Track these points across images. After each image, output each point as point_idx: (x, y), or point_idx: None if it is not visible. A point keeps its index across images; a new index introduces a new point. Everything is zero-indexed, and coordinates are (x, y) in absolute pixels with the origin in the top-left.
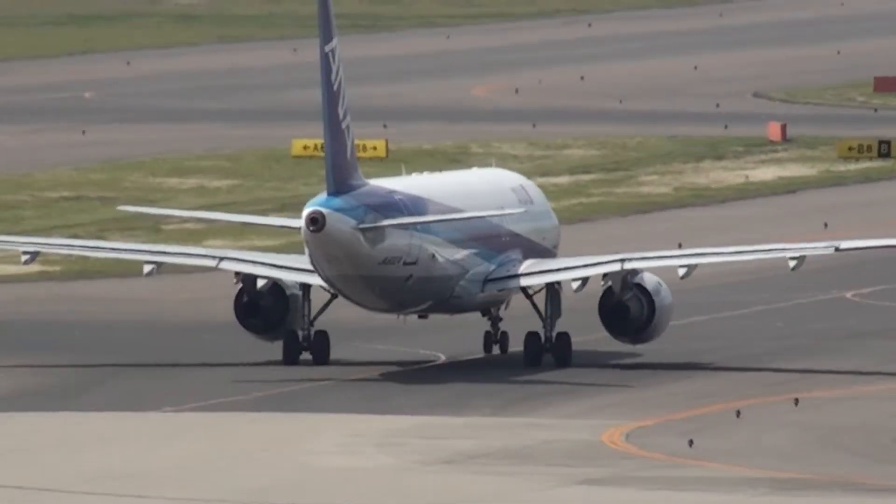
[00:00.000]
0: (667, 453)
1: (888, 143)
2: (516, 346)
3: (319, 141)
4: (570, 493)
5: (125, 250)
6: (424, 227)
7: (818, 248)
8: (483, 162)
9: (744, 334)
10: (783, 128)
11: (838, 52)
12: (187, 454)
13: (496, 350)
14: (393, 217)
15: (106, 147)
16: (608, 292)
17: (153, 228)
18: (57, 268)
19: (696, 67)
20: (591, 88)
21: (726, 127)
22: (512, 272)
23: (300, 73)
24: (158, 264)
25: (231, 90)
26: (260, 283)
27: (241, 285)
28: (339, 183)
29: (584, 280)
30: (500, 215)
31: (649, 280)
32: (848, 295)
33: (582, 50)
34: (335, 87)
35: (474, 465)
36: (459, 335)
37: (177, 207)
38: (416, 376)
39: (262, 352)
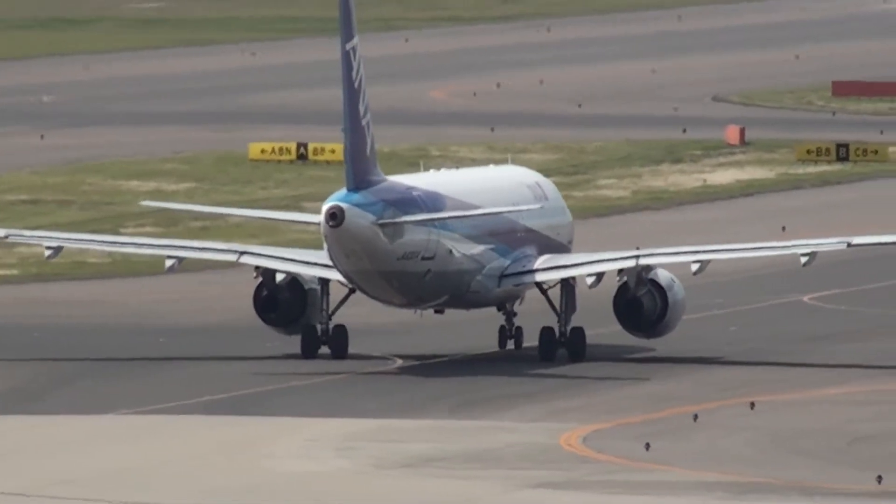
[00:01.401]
0: (624, 457)
1: (846, 146)
2: (531, 340)
3: (277, 144)
4: (527, 497)
5: (147, 245)
6: (442, 223)
7: (829, 244)
8: (440, 165)
9: (701, 338)
10: (741, 131)
11: (797, 57)
12: (143, 458)
13: (510, 345)
14: (411, 213)
15: (64, 151)
16: (623, 288)
17: (114, 232)
18: (14, 271)
19: (654, 71)
20: (550, 92)
21: (685, 130)
22: (528, 267)
23: (258, 77)
24: (180, 259)
25: (189, 94)
26: (279, 277)
27: (260, 279)
28: (359, 179)
29: (599, 276)
30: (517, 211)
31: (663, 276)
32: (805, 298)
33: (541, 54)
34: (356, 85)
35: (431, 468)
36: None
37: (136, 211)
38: (373, 380)
39: (221, 354)
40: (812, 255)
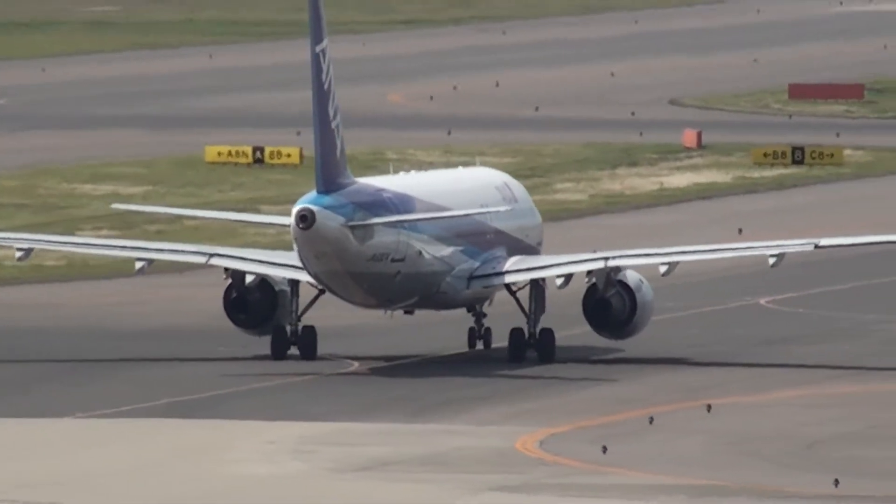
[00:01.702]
0: (580, 460)
1: (802, 149)
2: (500, 341)
3: (233, 147)
4: (484, 500)
5: (117, 247)
6: (412, 225)
7: (797, 245)
8: (397, 169)
9: (658, 340)
10: (698, 135)
11: (754, 60)
12: (100, 462)
13: (480, 346)
14: (381, 215)
15: (20, 154)
16: (592, 289)
17: (69, 235)
18: None
19: (612, 74)
20: (507, 95)
21: (641, 134)
22: (497, 269)
23: (215, 80)
24: (150, 261)
25: (146, 96)
26: (248, 278)
27: (230, 281)
28: (329, 181)
29: (568, 277)
30: (487, 213)
31: (631, 277)
32: (762, 301)
33: (497, 57)
34: (325, 87)
35: (388, 471)
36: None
37: (91, 214)
38: (330, 383)
39: (178, 357)
40: (780, 256)
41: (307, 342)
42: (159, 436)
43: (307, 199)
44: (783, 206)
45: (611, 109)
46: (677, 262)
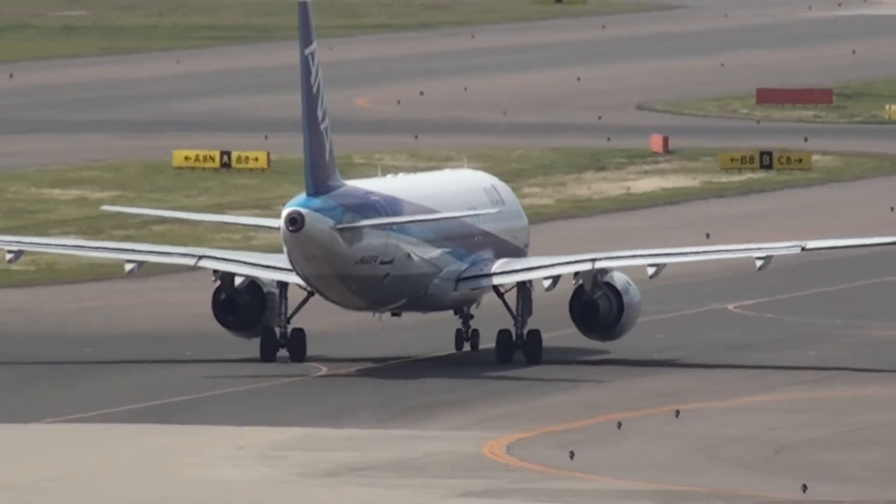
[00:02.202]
0: (548, 465)
1: (770, 154)
2: (487, 343)
3: (201, 152)
4: None
5: (107, 249)
6: (400, 227)
7: (784, 248)
8: (364, 173)
9: (627, 345)
10: (665, 140)
11: (721, 65)
12: (69, 467)
13: (467, 347)
14: (370, 217)
15: None
16: (579, 291)
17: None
18: None
19: (579, 79)
20: (474, 100)
21: (609, 139)
22: (484, 271)
23: (183, 85)
24: (139, 263)
25: (114, 101)
26: (237, 281)
27: (218, 283)
28: (318, 184)
29: (556, 279)
30: (475, 216)
31: (618, 279)
32: (730, 307)
33: (465, 61)
34: (314, 90)
35: (357, 477)
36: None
37: (59, 219)
38: (299, 388)
39: (146, 362)
40: (767, 258)
41: (296, 344)
42: (127, 441)
43: (297, 202)
44: (751, 211)
45: (578, 114)
46: (665, 264)
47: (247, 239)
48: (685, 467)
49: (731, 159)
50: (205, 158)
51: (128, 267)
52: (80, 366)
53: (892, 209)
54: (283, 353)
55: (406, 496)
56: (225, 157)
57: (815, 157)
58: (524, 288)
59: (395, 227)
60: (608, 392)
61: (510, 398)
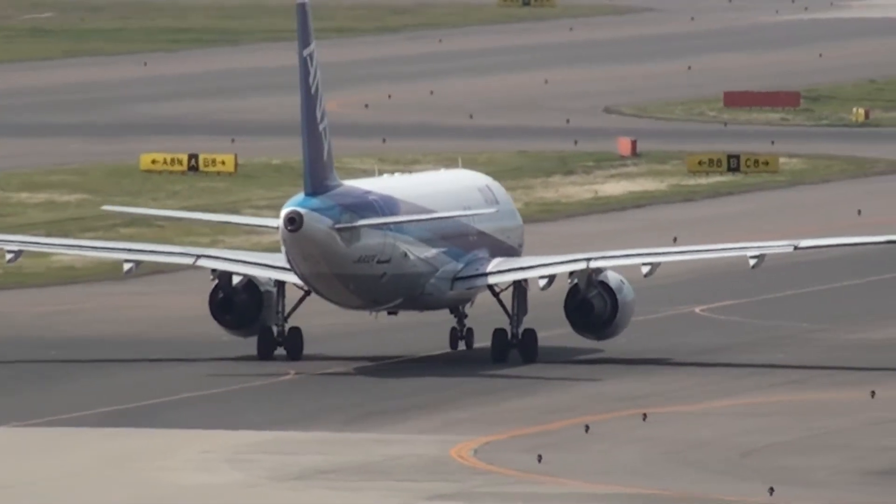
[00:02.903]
0: (516, 469)
1: (737, 157)
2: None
3: (168, 155)
4: None
5: (106, 248)
6: (397, 227)
7: (777, 246)
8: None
9: (593, 349)
10: (633, 143)
11: (689, 68)
12: (36, 471)
13: (462, 346)
14: (368, 217)
15: None
16: (573, 290)
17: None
18: None
19: (546, 82)
20: (441, 103)
21: (576, 142)
22: (480, 270)
23: (149, 88)
24: (137, 262)
25: (81, 104)
26: (235, 280)
27: (216, 282)
28: (316, 184)
29: (551, 278)
30: (471, 215)
31: (613, 278)
32: (697, 310)
33: (432, 65)
34: (313, 90)
35: (324, 480)
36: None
37: (27, 222)
38: (266, 391)
39: (112, 366)
40: (761, 257)
41: (293, 343)
42: (94, 444)
43: (295, 202)
44: (718, 214)
45: (545, 117)
46: (659, 263)
47: (214, 243)
48: (652, 471)
49: (699, 162)
50: (172, 162)
51: (126, 266)
52: (46, 370)
53: (859, 212)
54: (280, 351)
55: (374, 499)
56: (192, 161)
57: (782, 160)
58: (520, 287)
59: (392, 226)
60: (576, 395)
61: (476, 402)
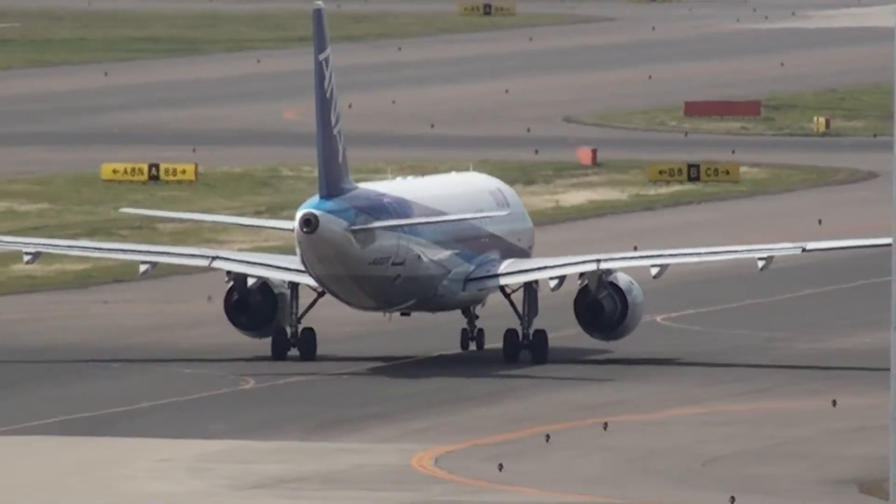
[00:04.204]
0: (476, 478)
1: (697, 166)
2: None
3: (129, 165)
4: None
5: (121, 250)
6: (411, 229)
7: (786, 248)
8: (292, 186)
9: (554, 358)
10: (594, 152)
11: (649, 77)
12: None
13: (472, 347)
14: (382, 219)
15: None
16: (584, 291)
17: None
18: None
19: (507, 92)
20: (402, 113)
21: (537, 151)
22: (492, 272)
23: (111, 97)
24: (153, 264)
25: (42, 114)
26: (250, 282)
27: (231, 284)
28: (331, 186)
29: (561, 279)
30: (484, 218)
31: (622, 279)
32: (658, 319)
33: (392, 74)
34: (328, 94)
35: (285, 489)
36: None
37: None
38: (226, 400)
39: (72, 374)
40: (769, 259)
41: (307, 344)
42: (52, 453)
43: (311, 204)
44: (679, 223)
45: (506, 126)
46: (668, 265)
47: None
48: (613, 480)
49: (659, 172)
50: (133, 171)
51: (142, 268)
52: (4, 378)
53: (820, 222)
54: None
55: None
56: (153, 170)
57: (742, 170)
58: (531, 288)
59: (406, 228)
60: (536, 404)
61: (436, 411)
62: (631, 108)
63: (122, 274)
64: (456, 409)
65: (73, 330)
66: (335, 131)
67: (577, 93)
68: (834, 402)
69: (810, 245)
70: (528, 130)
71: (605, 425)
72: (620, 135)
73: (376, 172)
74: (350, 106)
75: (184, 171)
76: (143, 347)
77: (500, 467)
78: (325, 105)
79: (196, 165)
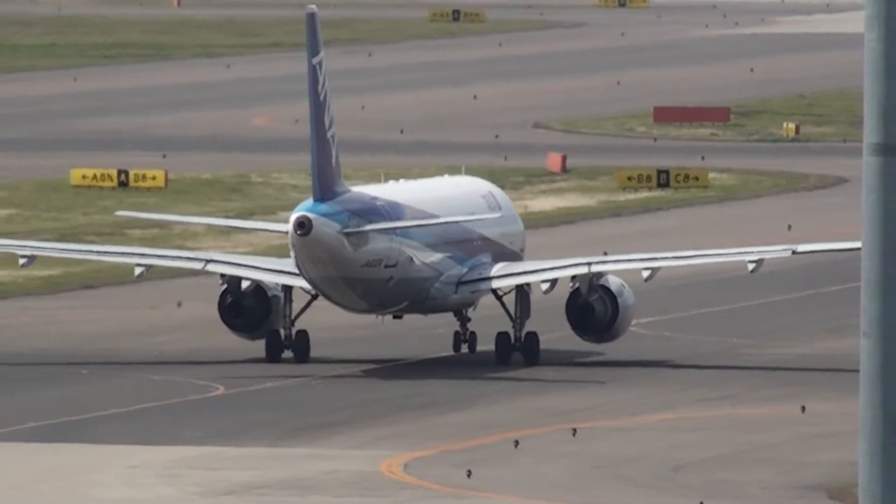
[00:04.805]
0: (445, 484)
1: (667, 172)
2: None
3: (98, 171)
4: None
5: (116, 253)
6: (404, 232)
7: (776, 251)
8: (262, 192)
9: (521, 364)
10: (563, 158)
11: (618, 83)
12: None
13: (465, 349)
14: (375, 222)
15: None
16: (575, 293)
17: None
18: None
19: (476, 97)
20: (372, 118)
21: (506, 158)
22: (484, 275)
23: (80, 103)
24: (148, 267)
25: (11, 120)
26: (244, 284)
27: (225, 286)
28: (325, 189)
29: (553, 282)
30: (476, 221)
31: (613, 282)
32: None
33: (362, 80)
34: (321, 98)
35: (254, 496)
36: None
37: None
38: (196, 407)
39: (40, 381)
40: (759, 262)
41: (300, 346)
42: (22, 460)
43: (305, 207)
44: (648, 230)
45: (475, 133)
46: (659, 268)
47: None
48: (583, 486)
49: (629, 178)
50: (102, 177)
51: (137, 271)
52: None
53: (790, 227)
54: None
55: None
56: (122, 176)
57: (712, 175)
58: (523, 291)
59: (399, 231)
60: (505, 410)
61: (405, 417)
62: (600, 114)
63: (91, 280)
64: (425, 415)
65: (41, 336)
66: (329, 135)
67: (547, 99)
68: (803, 408)
69: (801, 248)
70: (497, 137)
71: (574, 431)
72: (590, 141)
73: (346, 178)
74: None
75: (154, 178)
76: (112, 354)
77: (469, 473)
78: (318, 109)
79: (166, 171)
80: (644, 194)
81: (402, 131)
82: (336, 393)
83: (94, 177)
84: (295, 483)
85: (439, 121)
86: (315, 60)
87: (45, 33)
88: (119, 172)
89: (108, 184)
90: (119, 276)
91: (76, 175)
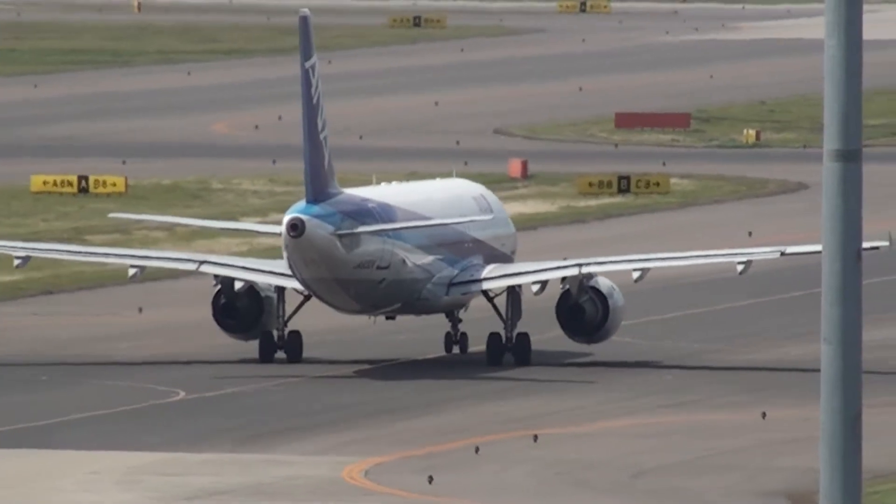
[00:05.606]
0: (407, 490)
1: (628, 178)
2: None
3: (59, 177)
4: None
5: (109, 255)
6: (396, 234)
7: (764, 252)
8: (222, 198)
9: (485, 369)
10: (524, 164)
11: (580, 89)
12: None
13: (456, 350)
14: (367, 224)
15: None
16: (565, 295)
17: None
18: None
19: (436, 103)
20: (332, 125)
21: (466, 163)
22: (475, 276)
23: (40, 109)
24: (142, 268)
25: None
26: (237, 285)
27: (218, 287)
28: (317, 191)
29: (544, 283)
30: (467, 223)
31: (604, 283)
32: None
33: (322, 86)
34: (314, 101)
35: (214, 502)
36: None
37: None
38: (156, 412)
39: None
40: (747, 263)
41: (293, 346)
42: None
43: (297, 209)
44: (609, 236)
45: (435, 139)
46: (649, 269)
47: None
48: (543, 492)
49: (590, 184)
50: (63, 183)
51: (131, 272)
52: None
53: (750, 234)
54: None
55: None
56: (82, 182)
57: (673, 181)
58: (514, 292)
59: (391, 233)
60: (465, 416)
61: (366, 423)
62: (561, 120)
63: (52, 286)
64: (387, 421)
65: (4, 342)
66: (321, 137)
67: (508, 105)
68: (764, 415)
69: (789, 249)
70: (458, 143)
71: (536, 437)
72: (551, 147)
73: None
74: (280, 118)
75: (114, 184)
76: (72, 359)
77: (430, 479)
78: (311, 112)
79: (126, 178)
80: (605, 200)
81: (361, 137)
82: (298, 398)
83: (55, 183)
84: (255, 489)
85: (400, 127)
86: (308, 64)
87: (4, 39)
88: (79, 179)
89: (68, 190)
90: (80, 282)
91: (36, 181)
